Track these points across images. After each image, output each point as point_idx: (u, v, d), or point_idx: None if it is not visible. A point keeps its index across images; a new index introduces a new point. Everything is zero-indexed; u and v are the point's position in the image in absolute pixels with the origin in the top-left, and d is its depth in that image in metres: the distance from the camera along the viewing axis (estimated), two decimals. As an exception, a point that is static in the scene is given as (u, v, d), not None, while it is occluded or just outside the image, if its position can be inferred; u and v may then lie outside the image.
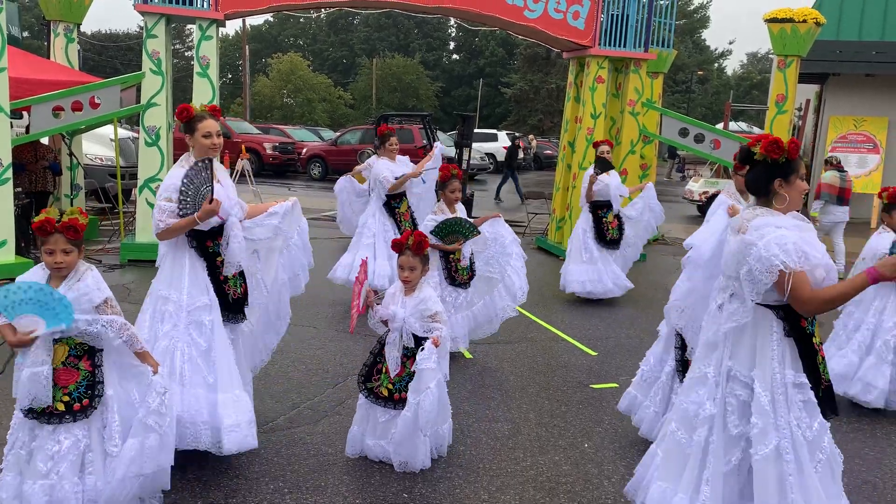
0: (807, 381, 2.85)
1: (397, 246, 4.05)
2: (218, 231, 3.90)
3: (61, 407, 3.09)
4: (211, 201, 3.76)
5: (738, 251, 2.86)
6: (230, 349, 3.92)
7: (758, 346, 2.89)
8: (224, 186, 4.00)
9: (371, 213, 7.52)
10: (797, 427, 2.81)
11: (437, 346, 3.87)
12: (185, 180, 3.80)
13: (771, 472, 2.79)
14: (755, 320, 2.89)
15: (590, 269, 7.96)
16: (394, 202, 7.47)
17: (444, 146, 8.27)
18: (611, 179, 7.88)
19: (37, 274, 3.16)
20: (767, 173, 2.91)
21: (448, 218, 5.62)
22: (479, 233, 5.68)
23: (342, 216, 9.20)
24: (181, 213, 3.78)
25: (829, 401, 2.93)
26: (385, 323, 4.04)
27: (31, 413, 3.09)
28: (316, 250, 9.59)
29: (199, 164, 3.85)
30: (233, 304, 3.98)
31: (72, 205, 9.97)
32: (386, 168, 7.44)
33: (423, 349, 3.87)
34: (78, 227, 3.11)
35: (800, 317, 2.84)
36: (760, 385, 2.84)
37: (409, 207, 7.56)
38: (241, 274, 4.05)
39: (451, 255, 5.67)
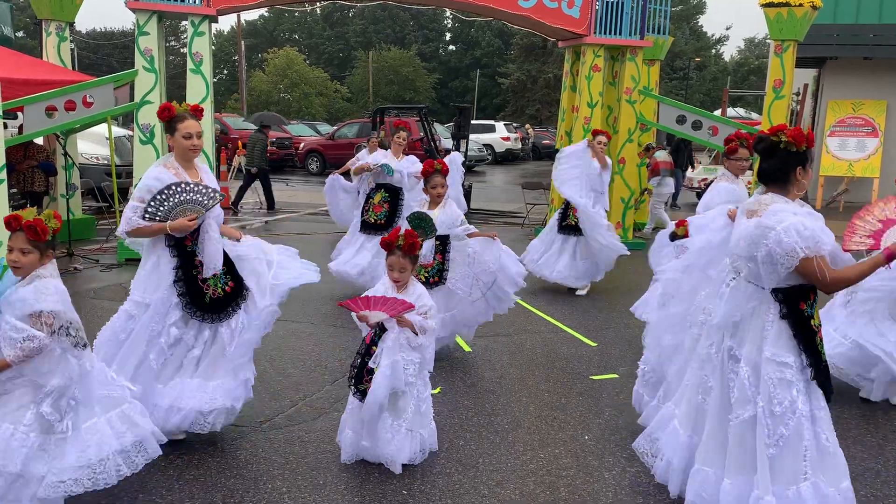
0: (790, 361, 3.00)
1: (386, 245, 3.90)
2: (195, 231, 3.95)
3: None
4: (192, 220, 3.84)
5: (753, 234, 2.98)
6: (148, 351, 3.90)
7: (752, 326, 3.08)
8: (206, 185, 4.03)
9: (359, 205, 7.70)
10: (768, 401, 3.00)
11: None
12: (174, 188, 3.84)
13: (744, 438, 3.07)
14: (756, 302, 3.06)
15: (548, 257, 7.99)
16: (371, 191, 7.54)
17: (459, 155, 8.30)
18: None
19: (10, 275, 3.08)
20: (790, 162, 3.04)
21: (415, 212, 5.29)
22: (435, 233, 5.19)
23: (333, 213, 9.40)
24: (147, 215, 3.83)
25: (824, 381, 3.07)
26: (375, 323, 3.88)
27: None
28: (314, 245, 9.57)
29: (203, 189, 3.88)
30: (210, 304, 3.99)
31: (68, 205, 9.93)
32: (377, 157, 7.50)
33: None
34: (39, 229, 3.01)
35: (799, 300, 2.98)
36: (745, 361, 3.08)
37: (383, 200, 7.48)
38: (228, 273, 4.05)
39: None
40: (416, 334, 3.80)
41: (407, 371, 3.79)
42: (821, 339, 3.08)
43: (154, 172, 3.91)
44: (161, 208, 3.83)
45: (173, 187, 3.84)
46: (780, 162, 3.04)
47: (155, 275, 3.96)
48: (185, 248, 3.96)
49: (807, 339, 3.01)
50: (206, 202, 3.88)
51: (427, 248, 5.32)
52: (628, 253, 7.86)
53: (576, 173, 7.65)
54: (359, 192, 8.33)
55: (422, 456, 4.00)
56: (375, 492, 3.71)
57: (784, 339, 3.00)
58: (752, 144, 3.24)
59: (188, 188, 3.86)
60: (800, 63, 13.42)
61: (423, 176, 5.53)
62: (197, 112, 4.02)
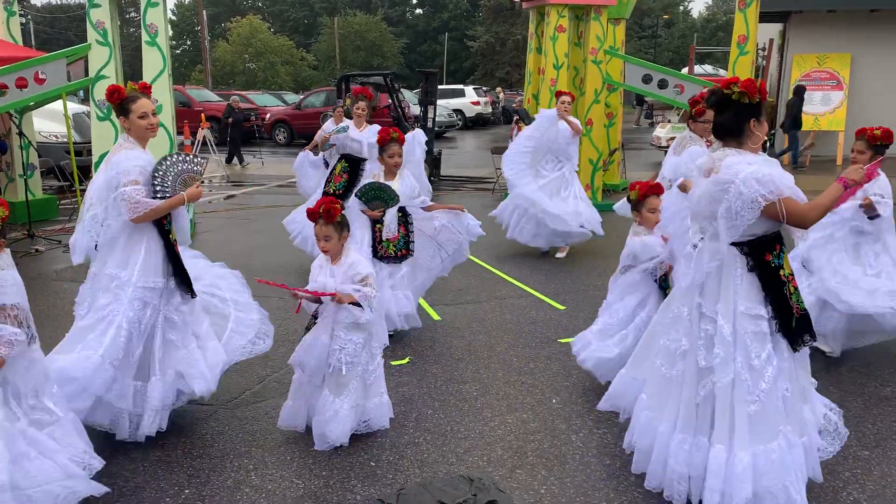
0: (763, 313, 3.01)
1: (311, 215, 3.83)
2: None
3: None
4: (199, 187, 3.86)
5: (713, 192, 2.98)
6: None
7: (723, 282, 3.05)
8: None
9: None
10: (746, 356, 3.00)
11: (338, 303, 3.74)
12: (167, 161, 3.81)
13: (728, 399, 3.02)
14: (724, 258, 3.04)
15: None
16: (336, 162, 7.38)
17: (423, 134, 8.11)
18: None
19: None
20: (743, 114, 3.00)
21: (371, 182, 5.26)
22: (398, 201, 5.20)
23: (302, 189, 9.20)
24: (157, 194, 3.75)
25: (802, 330, 3.08)
26: (317, 299, 3.83)
27: None
28: (283, 218, 9.29)
29: (188, 157, 3.89)
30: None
31: (27, 185, 9.69)
32: (330, 127, 7.39)
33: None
34: None
35: (764, 251, 2.98)
36: (723, 317, 3.04)
37: (343, 171, 7.28)
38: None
39: (377, 225, 5.27)
40: (359, 305, 3.72)
41: (345, 349, 3.73)
42: (795, 289, 3.08)
43: (130, 155, 3.77)
44: (165, 184, 3.78)
45: (167, 160, 3.81)
46: (734, 115, 3.00)
47: (152, 258, 3.83)
48: (163, 227, 3.87)
49: (774, 290, 3.01)
50: (198, 168, 3.86)
51: (390, 218, 5.24)
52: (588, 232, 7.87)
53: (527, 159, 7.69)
54: (326, 164, 8.17)
55: (366, 428, 3.97)
56: (343, 465, 3.71)
57: (754, 291, 3.01)
58: (705, 98, 3.20)
59: (179, 159, 3.84)
60: (765, 18, 13.40)
61: (380, 144, 5.34)
62: (146, 90, 3.92)
